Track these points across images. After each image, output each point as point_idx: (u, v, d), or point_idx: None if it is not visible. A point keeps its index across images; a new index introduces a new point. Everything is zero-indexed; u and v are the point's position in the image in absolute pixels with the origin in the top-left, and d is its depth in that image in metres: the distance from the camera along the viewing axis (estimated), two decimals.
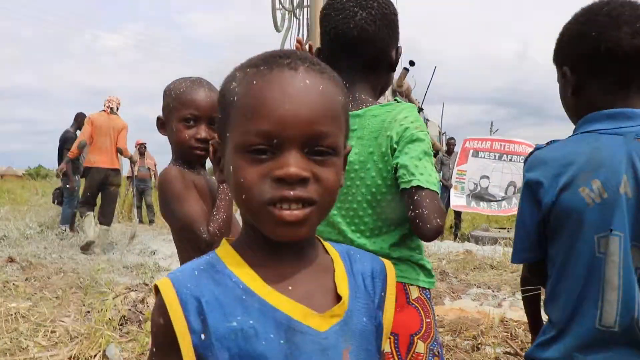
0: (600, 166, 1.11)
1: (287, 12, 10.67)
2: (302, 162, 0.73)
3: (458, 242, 9.49)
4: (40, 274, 5.49)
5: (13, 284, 5.07)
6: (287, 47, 10.98)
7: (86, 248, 7.16)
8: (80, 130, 8.23)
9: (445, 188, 10.37)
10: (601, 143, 1.14)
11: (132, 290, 4.60)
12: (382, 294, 0.89)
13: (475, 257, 7.22)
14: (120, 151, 7.94)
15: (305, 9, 10.89)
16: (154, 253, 7.38)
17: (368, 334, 0.84)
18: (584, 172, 1.11)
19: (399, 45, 1.60)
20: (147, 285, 4.94)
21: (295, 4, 10.80)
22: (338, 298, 0.82)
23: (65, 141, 8.38)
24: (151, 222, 11.46)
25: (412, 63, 11.22)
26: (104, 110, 7.84)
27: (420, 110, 13.68)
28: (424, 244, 1.54)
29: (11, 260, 6.00)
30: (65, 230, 8.21)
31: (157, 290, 0.78)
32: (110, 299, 4.20)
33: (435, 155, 14.14)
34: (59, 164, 8.35)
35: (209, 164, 1.82)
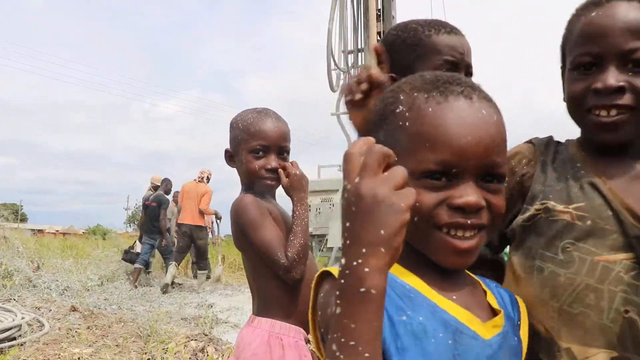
0: None
1: (342, 72, 10.86)
2: (478, 191, 0.75)
3: None
4: (101, 323, 5.52)
5: (76, 331, 5.13)
6: (342, 107, 11.13)
7: (165, 289, 8.53)
8: (167, 193, 10.06)
9: None
10: None
11: (193, 340, 4.55)
12: (518, 322, 0.89)
13: None
14: (201, 211, 9.54)
15: (359, 69, 11.07)
16: (211, 306, 7.36)
17: (519, 353, 0.84)
18: None
19: None
20: (206, 335, 4.89)
21: (350, 64, 11.00)
22: (494, 313, 0.83)
23: (162, 203, 9.74)
24: (208, 277, 11.50)
25: None
26: (195, 180, 9.82)
27: None
28: None
29: (74, 309, 6.08)
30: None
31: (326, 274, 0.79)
32: (171, 348, 4.16)
33: None
34: (157, 221, 9.60)
35: (279, 190, 1.80)
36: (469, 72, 1.30)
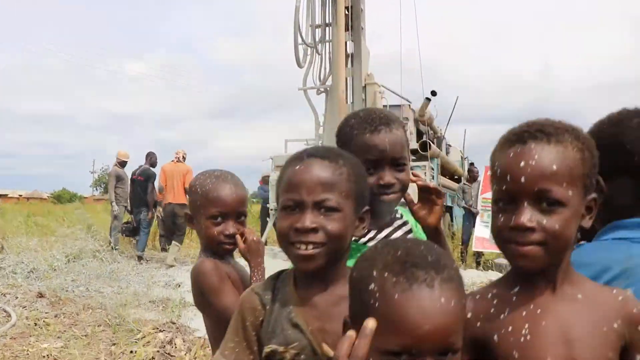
0: (633, 275, 1.13)
1: (309, 48, 10.80)
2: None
3: (481, 270, 9.44)
4: (69, 310, 5.59)
5: (44, 321, 5.19)
6: (309, 82, 11.12)
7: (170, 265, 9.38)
8: (152, 166, 10.62)
9: (470, 213, 10.36)
10: (634, 252, 1.17)
11: (161, 331, 4.66)
12: None
13: None
14: (187, 190, 8.83)
15: (327, 44, 11.01)
16: (180, 286, 7.45)
17: None
18: (618, 281, 1.13)
19: None
20: (174, 323, 5.00)
21: (317, 39, 10.92)
22: None
23: (150, 177, 10.40)
24: (163, 249, 11.61)
25: (434, 93, 11.32)
26: (172, 161, 10.38)
27: (442, 138, 13.73)
28: None
29: (41, 295, 6.12)
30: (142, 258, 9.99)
31: None
32: (140, 344, 4.26)
33: (458, 181, 14.12)
34: (145, 195, 10.31)
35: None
36: (398, 164, 1.43)
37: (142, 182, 10.35)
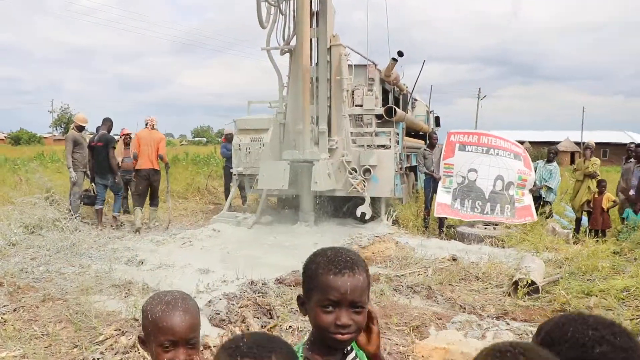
0: None
1: (272, 7, 10.43)
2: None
3: (444, 239, 9.61)
4: (28, 303, 5.49)
5: (1, 317, 5.09)
6: (272, 42, 10.81)
7: (137, 231, 10.08)
8: (110, 131, 10.82)
9: (432, 179, 10.44)
10: None
11: (123, 333, 4.63)
12: None
13: (461, 265, 7.32)
14: (161, 157, 10.71)
15: (291, 2, 10.64)
16: (142, 263, 7.40)
17: None
18: None
19: None
20: (136, 320, 4.97)
21: None
22: None
23: (109, 142, 10.37)
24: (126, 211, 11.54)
25: (400, 54, 11.16)
26: (146, 127, 10.74)
27: (409, 96, 13.65)
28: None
29: None
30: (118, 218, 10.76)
31: None
32: (103, 348, 4.23)
33: (423, 137, 14.15)
34: (107, 161, 10.35)
35: None
36: (356, 306, 1.49)
37: (102, 147, 10.32)
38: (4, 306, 5.42)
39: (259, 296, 5.72)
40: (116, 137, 11.23)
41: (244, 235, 9.67)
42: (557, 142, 46.62)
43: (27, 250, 7.73)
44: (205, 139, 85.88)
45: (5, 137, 68.58)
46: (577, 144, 50.72)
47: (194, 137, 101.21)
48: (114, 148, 10.52)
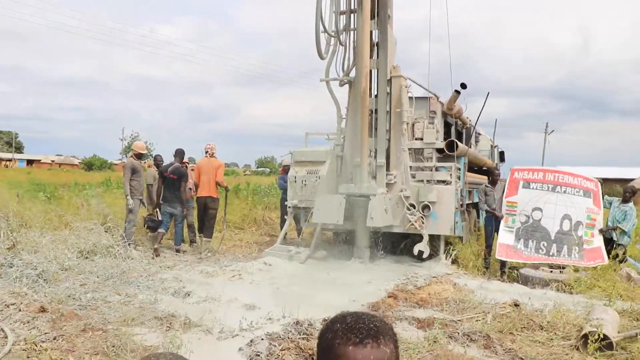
0: None
1: (332, 38, 10.30)
2: None
3: (506, 282, 9.02)
4: (69, 332, 5.37)
5: (41, 345, 4.99)
6: (332, 73, 10.66)
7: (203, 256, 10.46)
8: (182, 162, 11.10)
9: (494, 217, 9.90)
10: None
11: None
12: None
13: (524, 312, 6.77)
14: (218, 183, 11.04)
15: (351, 33, 10.50)
16: (189, 295, 7.23)
17: None
18: None
19: None
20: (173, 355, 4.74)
21: (341, 27, 10.40)
22: None
23: (182, 176, 10.64)
24: (192, 242, 11.43)
25: (463, 86, 10.76)
26: (205, 156, 11.25)
27: (472, 129, 13.17)
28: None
29: (43, 310, 5.93)
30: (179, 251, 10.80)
31: None
32: None
33: (486, 173, 13.58)
34: (179, 192, 10.64)
35: None
36: None
37: (175, 180, 10.58)
38: (45, 334, 5.32)
39: (303, 337, 5.41)
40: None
41: (296, 270, 9.38)
42: (631, 179, 44.36)
43: (78, 276, 7.73)
44: (268, 170, 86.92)
45: (79, 162, 71.81)
46: None
47: (257, 168, 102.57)
48: (187, 182, 10.78)
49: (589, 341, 5.46)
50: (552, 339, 5.92)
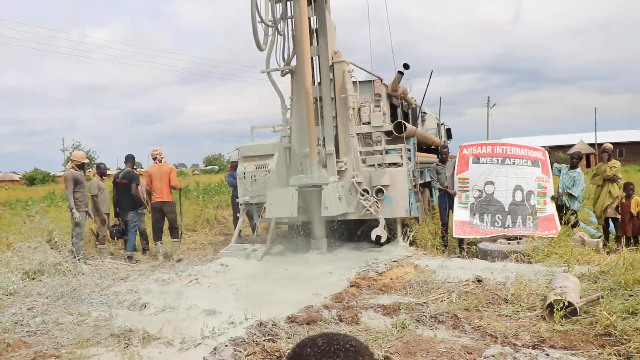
0: None
1: (269, 28, 10.04)
2: None
3: (466, 258, 9.06)
4: None
5: None
6: (273, 64, 10.42)
7: (179, 261, 10.43)
8: (134, 167, 11.07)
9: (447, 194, 9.93)
10: None
11: None
12: None
13: (487, 287, 6.77)
14: (173, 187, 10.86)
15: (289, 20, 10.26)
16: (145, 306, 6.93)
17: None
18: None
19: None
20: None
21: (278, 16, 10.14)
22: None
23: (133, 179, 10.59)
24: (144, 250, 11.10)
25: (406, 66, 10.69)
26: (155, 162, 10.89)
27: (418, 109, 13.18)
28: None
29: None
30: (131, 259, 10.46)
31: None
32: None
33: (435, 151, 13.64)
34: (129, 196, 10.54)
35: None
36: None
37: (126, 184, 10.54)
38: None
39: (268, 339, 5.22)
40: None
41: (254, 269, 9.16)
42: (571, 145, 45.85)
43: (25, 300, 7.30)
44: (217, 167, 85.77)
45: (20, 178, 69.06)
46: (592, 145, 49.81)
47: (206, 166, 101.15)
48: (138, 184, 10.65)
49: (554, 310, 5.48)
50: (518, 312, 5.92)
